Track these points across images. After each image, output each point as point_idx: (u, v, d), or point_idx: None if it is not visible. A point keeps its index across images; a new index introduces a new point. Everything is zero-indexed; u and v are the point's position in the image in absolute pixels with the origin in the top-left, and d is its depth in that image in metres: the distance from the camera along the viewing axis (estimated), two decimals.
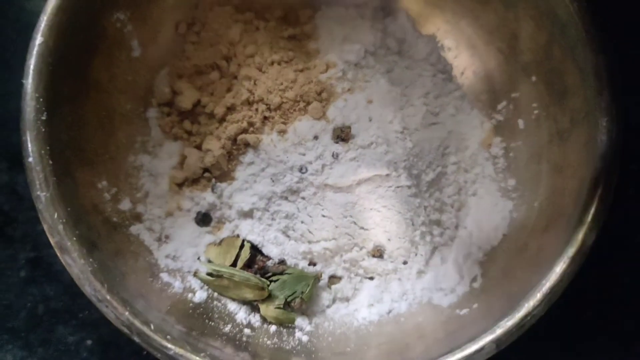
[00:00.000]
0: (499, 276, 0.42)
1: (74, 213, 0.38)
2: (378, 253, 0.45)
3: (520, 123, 0.46)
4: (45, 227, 0.36)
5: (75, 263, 0.36)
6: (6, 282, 0.49)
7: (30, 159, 0.37)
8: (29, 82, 0.38)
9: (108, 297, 0.36)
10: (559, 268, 0.36)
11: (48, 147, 0.38)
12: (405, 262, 0.46)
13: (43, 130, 0.38)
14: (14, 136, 0.50)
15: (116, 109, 0.45)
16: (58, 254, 0.36)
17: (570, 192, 0.40)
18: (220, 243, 0.46)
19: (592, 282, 0.45)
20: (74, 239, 0.36)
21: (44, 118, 0.38)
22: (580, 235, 0.37)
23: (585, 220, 0.37)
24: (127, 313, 0.36)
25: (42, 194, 0.36)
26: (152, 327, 0.36)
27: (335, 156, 0.45)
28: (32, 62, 0.38)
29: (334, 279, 0.46)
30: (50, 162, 0.37)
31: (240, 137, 0.46)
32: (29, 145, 0.37)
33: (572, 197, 0.40)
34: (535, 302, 0.36)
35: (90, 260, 0.36)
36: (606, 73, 0.39)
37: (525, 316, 0.36)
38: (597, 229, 0.37)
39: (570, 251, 0.36)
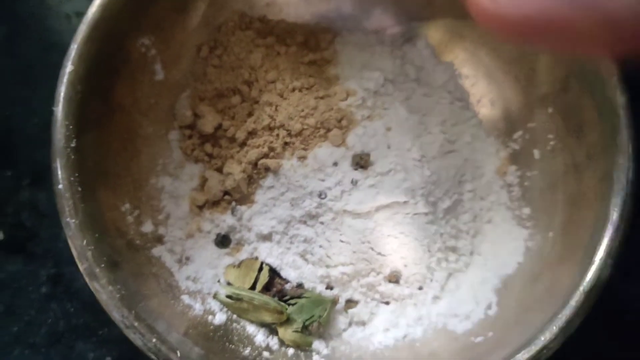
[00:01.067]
0: (514, 305, 0.43)
1: (100, 238, 0.39)
2: (394, 278, 0.46)
3: (536, 153, 0.47)
4: (74, 253, 0.37)
5: (104, 289, 0.37)
6: (28, 297, 0.49)
7: (60, 186, 0.38)
8: (59, 109, 0.39)
9: (136, 324, 0.37)
10: (574, 302, 0.37)
11: (77, 174, 0.38)
12: (420, 288, 0.47)
13: (72, 157, 0.39)
14: (36, 153, 0.51)
15: (139, 132, 0.46)
16: (87, 280, 0.37)
17: (585, 225, 0.41)
18: (239, 265, 0.47)
19: (605, 312, 0.45)
20: (102, 265, 0.37)
21: (73, 145, 0.39)
22: (594, 270, 0.37)
23: (600, 255, 0.38)
24: (154, 340, 0.36)
25: (71, 221, 0.37)
26: (178, 354, 0.36)
27: (354, 183, 0.46)
28: (62, 90, 0.39)
29: (350, 303, 0.47)
30: (80, 188, 0.38)
31: (260, 161, 0.46)
32: (59, 172, 0.38)
33: (587, 230, 0.40)
34: (551, 336, 0.37)
35: (118, 287, 0.37)
36: (624, 112, 0.39)
37: (542, 349, 0.37)
38: (612, 264, 0.38)
39: (586, 286, 0.37)
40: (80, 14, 0.47)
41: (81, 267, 0.37)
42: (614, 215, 0.38)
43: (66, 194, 0.38)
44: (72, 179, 0.38)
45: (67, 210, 0.37)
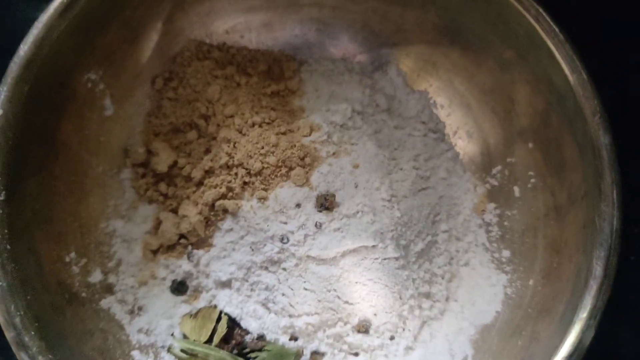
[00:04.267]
0: None
1: (35, 298, 0.36)
2: (364, 328, 0.43)
3: (516, 190, 0.44)
4: (0, 320, 0.34)
5: None
6: None
7: None
8: None
9: None
10: None
11: (6, 230, 0.35)
12: (392, 338, 0.43)
13: (0, 212, 0.35)
14: None
15: (87, 173, 0.43)
16: (14, 351, 0.34)
17: (566, 276, 0.38)
18: (196, 315, 0.43)
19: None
20: (32, 333, 0.34)
21: (2, 198, 0.35)
22: (576, 334, 0.34)
23: (582, 317, 0.34)
24: None
25: None
26: None
27: (319, 226, 0.42)
28: None
29: (316, 355, 0.43)
30: (9, 246, 0.35)
31: (218, 202, 0.43)
32: None
33: (569, 283, 0.37)
34: None
35: (50, 356, 0.34)
36: (607, 153, 0.36)
37: None
38: (595, 326, 0.34)
39: (565, 351, 0.34)
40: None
41: (8, 336, 0.33)
42: (598, 270, 0.35)
43: None
44: (0, 236, 0.35)
45: None
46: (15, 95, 0.36)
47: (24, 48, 0.36)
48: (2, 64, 0.36)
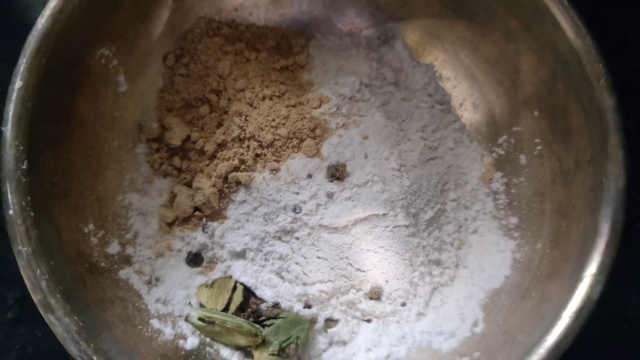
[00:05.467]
0: (502, 323, 0.41)
1: (57, 266, 0.36)
2: (376, 295, 0.44)
3: (522, 159, 0.44)
4: (27, 284, 0.35)
5: (60, 322, 0.34)
6: None
7: (11, 212, 0.35)
8: (8, 129, 0.36)
9: (94, 358, 0.34)
10: (563, 323, 0.35)
11: (29, 198, 0.36)
12: (403, 304, 0.44)
13: (24, 180, 0.36)
14: None
15: (103, 148, 0.44)
16: (41, 312, 0.35)
17: (574, 238, 0.39)
18: (212, 285, 0.44)
19: (599, 323, 0.43)
20: (58, 295, 0.35)
21: (24, 167, 0.36)
22: (584, 289, 0.35)
23: (591, 272, 0.35)
24: None
25: (23, 249, 0.35)
26: None
27: (330, 195, 0.43)
28: (11, 108, 0.36)
29: (330, 322, 0.44)
30: (32, 214, 0.36)
31: (231, 175, 0.44)
32: (9, 197, 0.35)
33: (577, 244, 0.38)
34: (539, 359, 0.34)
35: (75, 318, 0.35)
36: (612, 116, 0.37)
37: None
38: (603, 282, 0.35)
39: (575, 306, 0.35)
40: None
41: (35, 299, 0.34)
42: (605, 228, 0.36)
43: (17, 220, 0.35)
44: (23, 203, 0.36)
45: (19, 238, 0.35)
46: (33, 67, 0.37)
47: (41, 21, 0.37)
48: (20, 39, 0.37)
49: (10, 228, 0.35)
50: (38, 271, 0.35)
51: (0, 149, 0.36)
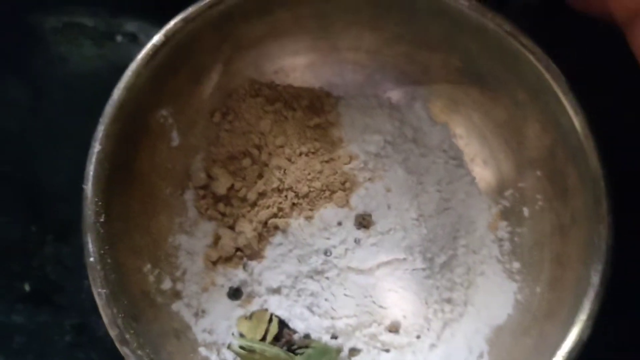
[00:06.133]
0: (505, 355, 0.47)
1: (129, 304, 0.42)
2: (394, 329, 0.50)
3: (525, 211, 0.51)
4: (105, 321, 0.41)
5: (134, 354, 0.40)
6: (54, 347, 0.53)
7: (92, 259, 0.41)
8: (89, 187, 0.42)
9: None
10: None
11: (107, 247, 0.42)
12: (418, 337, 0.50)
13: (101, 231, 0.42)
14: (60, 209, 0.54)
15: (157, 195, 0.50)
16: (118, 346, 0.40)
17: (569, 285, 0.45)
18: (250, 317, 0.51)
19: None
20: (132, 331, 0.41)
21: (102, 220, 0.42)
22: (575, 332, 0.41)
23: (582, 317, 0.42)
24: None
25: (102, 292, 0.41)
26: None
27: (357, 241, 0.50)
28: (91, 169, 0.42)
29: (354, 351, 0.50)
30: (109, 260, 0.42)
31: (270, 221, 0.50)
32: (90, 247, 0.41)
33: (571, 290, 0.44)
34: None
35: (147, 350, 0.41)
36: (604, 183, 0.43)
37: None
38: (592, 325, 0.42)
39: (567, 345, 0.41)
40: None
41: (112, 334, 0.40)
42: (595, 280, 0.42)
43: (97, 267, 0.41)
44: (102, 252, 0.42)
45: (99, 282, 0.41)
46: (110, 132, 0.43)
47: (117, 92, 0.43)
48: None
49: (91, 273, 0.41)
50: (115, 310, 0.41)
51: (82, 204, 0.42)
